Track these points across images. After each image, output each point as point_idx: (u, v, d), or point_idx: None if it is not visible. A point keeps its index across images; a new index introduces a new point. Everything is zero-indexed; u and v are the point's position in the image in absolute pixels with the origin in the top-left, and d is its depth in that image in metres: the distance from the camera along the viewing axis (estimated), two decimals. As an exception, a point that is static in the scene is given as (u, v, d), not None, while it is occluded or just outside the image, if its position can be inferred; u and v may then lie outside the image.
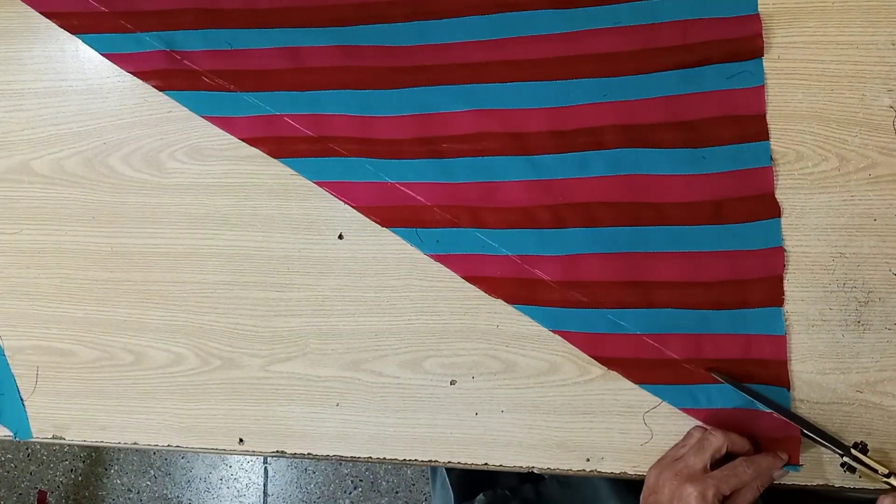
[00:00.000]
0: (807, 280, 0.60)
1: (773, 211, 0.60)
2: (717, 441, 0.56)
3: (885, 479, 0.54)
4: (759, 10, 0.60)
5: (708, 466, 0.55)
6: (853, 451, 0.55)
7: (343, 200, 0.66)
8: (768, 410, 0.59)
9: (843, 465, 0.56)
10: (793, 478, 0.60)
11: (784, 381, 0.60)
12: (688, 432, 0.59)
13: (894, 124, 0.60)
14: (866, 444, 0.56)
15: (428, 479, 1.49)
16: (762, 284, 0.60)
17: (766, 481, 0.55)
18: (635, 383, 0.62)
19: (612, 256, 0.61)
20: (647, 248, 0.61)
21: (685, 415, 0.61)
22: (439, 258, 0.64)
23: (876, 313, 0.60)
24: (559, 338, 0.63)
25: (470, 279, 0.64)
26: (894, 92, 0.60)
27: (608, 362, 0.62)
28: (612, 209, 0.62)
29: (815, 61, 0.60)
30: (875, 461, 0.55)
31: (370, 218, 0.65)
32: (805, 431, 0.57)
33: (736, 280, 0.60)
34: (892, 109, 0.60)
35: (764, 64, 0.60)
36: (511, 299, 0.63)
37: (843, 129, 0.60)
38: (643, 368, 0.62)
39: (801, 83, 0.60)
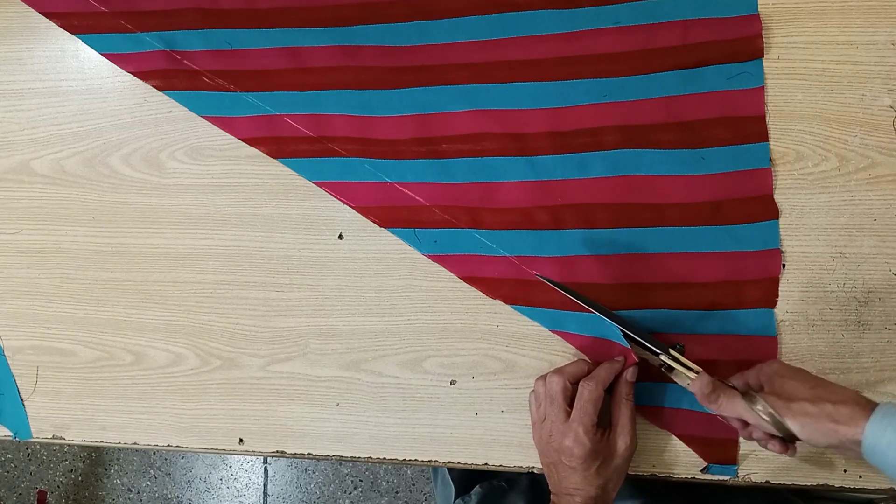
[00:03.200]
0: (807, 280, 0.60)
1: (772, 212, 0.60)
2: (557, 381, 0.57)
3: (696, 377, 0.56)
4: (759, 10, 0.60)
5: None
6: (671, 350, 0.57)
7: (342, 200, 0.66)
8: (713, 412, 0.59)
9: (661, 365, 0.57)
10: (793, 478, 0.60)
11: None
12: (532, 396, 0.61)
13: (894, 124, 0.60)
14: (683, 347, 0.57)
15: (428, 479, 1.50)
16: (758, 286, 0.60)
17: (609, 376, 0.58)
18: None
19: (610, 258, 0.61)
20: (644, 249, 0.61)
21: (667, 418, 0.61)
22: (437, 258, 0.64)
23: (876, 313, 0.60)
24: (559, 338, 0.63)
25: (468, 280, 0.64)
26: (894, 92, 0.60)
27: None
28: (610, 210, 0.62)
29: (815, 61, 0.60)
30: (690, 361, 0.56)
31: (369, 218, 0.65)
32: (626, 332, 0.58)
33: (732, 281, 0.60)
34: (892, 109, 0.60)
35: (764, 64, 0.60)
36: (509, 300, 0.63)
37: (844, 129, 0.60)
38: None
39: (801, 83, 0.60)
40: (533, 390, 0.60)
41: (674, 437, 0.62)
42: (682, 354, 0.57)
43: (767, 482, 0.61)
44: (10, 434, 0.72)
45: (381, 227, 0.65)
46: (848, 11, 0.60)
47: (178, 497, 1.61)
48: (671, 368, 0.57)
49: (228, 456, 1.59)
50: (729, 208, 0.60)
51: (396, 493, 1.52)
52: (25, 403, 0.71)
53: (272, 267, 0.67)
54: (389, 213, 0.65)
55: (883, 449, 0.47)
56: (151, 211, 0.69)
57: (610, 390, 0.59)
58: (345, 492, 1.55)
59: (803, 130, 0.60)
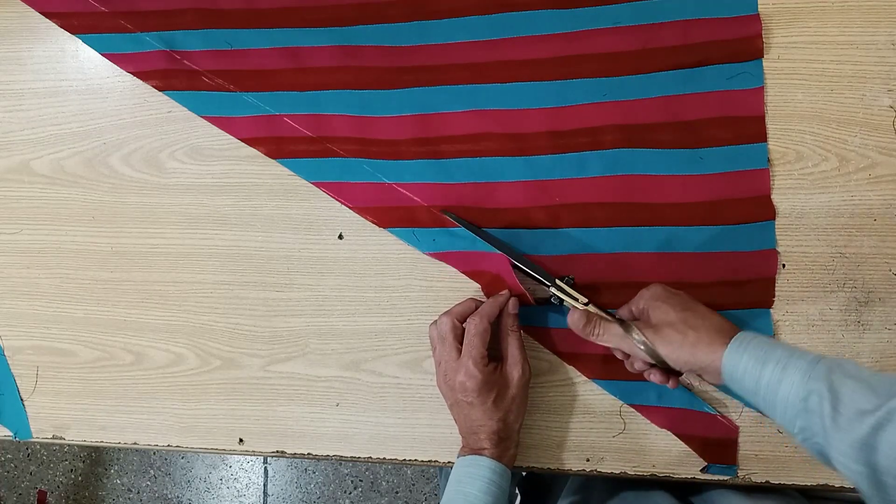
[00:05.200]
0: (807, 280, 0.60)
1: (769, 213, 0.60)
2: (446, 321, 0.59)
3: (584, 308, 0.57)
4: (759, 10, 0.60)
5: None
6: (559, 282, 0.58)
7: (340, 201, 0.66)
8: (714, 412, 0.61)
9: (552, 297, 0.59)
10: (793, 478, 0.60)
11: None
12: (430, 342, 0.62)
13: (894, 124, 0.60)
14: (573, 278, 0.58)
15: (428, 479, 1.50)
16: (755, 286, 0.60)
17: (494, 310, 0.59)
18: (589, 378, 0.62)
19: (607, 257, 0.61)
20: (642, 248, 0.61)
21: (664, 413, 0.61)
22: (438, 255, 0.64)
23: (876, 313, 0.60)
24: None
25: (469, 274, 0.64)
26: (894, 92, 0.60)
27: (568, 357, 0.63)
28: (608, 210, 0.62)
29: (814, 61, 0.60)
30: (578, 292, 0.57)
31: (367, 218, 0.65)
32: (515, 264, 0.59)
33: (729, 281, 0.60)
34: (892, 109, 0.60)
35: (764, 64, 0.61)
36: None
37: (843, 129, 0.60)
38: (601, 364, 0.62)
39: (801, 83, 0.60)
40: (429, 335, 0.61)
41: (674, 436, 0.62)
42: (571, 287, 0.58)
43: (767, 482, 0.61)
44: (10, 434, 0.71)
45: (379, 227, 0.65)
46: (848, 11, 0.60)
47: (178, 497, 1.61)
48: (561, 301, 0.58)
49: (228, 456, 1.59)
50: (726, 208, 0.60)
51: (396, 493, 1.52)
52: (25, 403, 0.71)
53: (272, 267, 0.67)
54: (388, 214, 0.65)
55: (739, 376, 0.49)
56: (151, 211, 0.69)
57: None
58: (345, 492, 1.55)
59: (803, 130, 0.60)
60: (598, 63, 0.62)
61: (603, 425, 0.63)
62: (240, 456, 1.56)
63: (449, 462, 0.65)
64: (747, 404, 0.60)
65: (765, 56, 0.60)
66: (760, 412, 0.56)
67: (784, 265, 0.60)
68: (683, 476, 0.62)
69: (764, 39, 0.60)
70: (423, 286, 0.65)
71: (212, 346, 0.68)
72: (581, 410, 0.63)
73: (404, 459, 0.66)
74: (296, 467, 1.58)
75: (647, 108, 0.61)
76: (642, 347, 0.53)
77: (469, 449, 0.58)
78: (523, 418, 0.60)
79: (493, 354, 0.59)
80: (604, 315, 0.56)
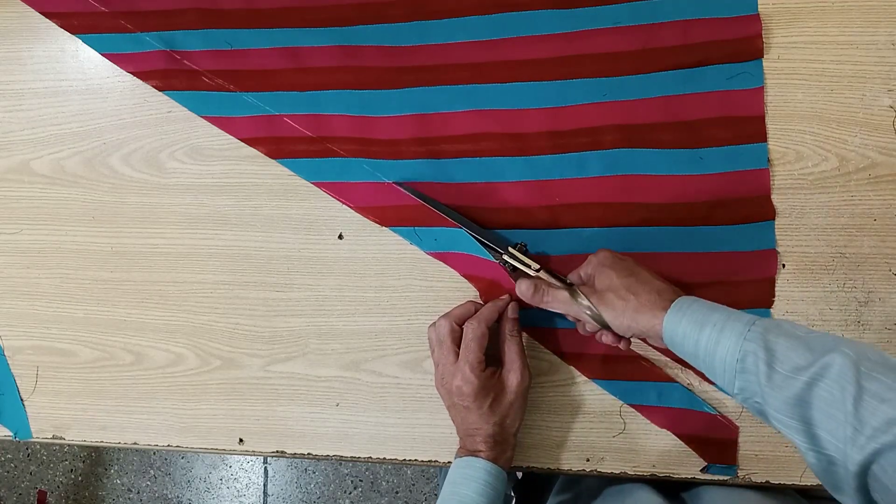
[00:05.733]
0: (807, 280, 0.60)
1: (768, 213, 0.60)
2: (444, 325, 0.59)
3: (536, 274, 0.58)
4: (759, 10, 0.60)
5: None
6: (511, 249, 0.59)
7: (341, 201, 0.66)
8: (714, 412, 0.61)
9: (505, 264, 0.59)
10: (793, 478, 0.60)
11: None
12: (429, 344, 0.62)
13: (894, 124, 0.60)
14: (526, 245, 0.59)
15: (428, 479, 1.50)
16: (754, 286, 0.60)
17: (493, 314, 0.60)
18: (589, 378, 0.62)
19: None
20: (641, 248, 0.61)
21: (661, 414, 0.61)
22: (439, 256, 0.64)
23: (876, 313, 0.60)
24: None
25: (468, 277, 0.64)
26: (894, 92, 0.60)
27: (568, 357, 0.63)
28: (608, 210, 0.62)
29: (815, 61, 0.60)
30: (530, 258, 0.58)
31: (369, 217, 0.65)
32: (470, 233, 0.60)
33: (728, 281, 0.60)
34: (892, 109, 0.60)
35: (764, 64, 0.60)
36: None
37: (844, 129, 0.60)
38: (601, 364, 0.62)
39: (801, 83, 0.60)
40: (428, 337, 0.61)
41: (674, 436, 0.62)
42: (524, 254, 0.58)
43: (767, 482, 0.61)
44: (10, 434, 0.71)
45: (382, 226, 0.65)
46: (848, 11, 0.60)
47: (178, 497, 1.61)
48: (514, 268, 0.58)
49: (228, 456, 1.59)
50: (726, 208, 0.60)
51: (396, 493, 1.52)
52: (25, 403, 0.71)
53: (272, 267, 0.67)
54: (388, 213, 0.65)
55: (679, 340, 0.49)
56: (151, 211, 0.69)
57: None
58: (345, 492, 1.55)
59: (803, 130, 0.60)
60: (598, 63, 0.62)
61: (603, 425, 0.63)
62: (240, 456, 1.56)
63: (449, 462, 0.65)
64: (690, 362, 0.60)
65: (765, 56, 0.60)
66: (704, 376, 0.55)
67: (784, 265, 0.60)
68: (684, 476, 0.62)
69: (764, 39, 0.60)
70: (423, 286, 0.65)
71: (212, 346, 0.68)
72: (581, 410, 0.63)
73: (404, 459, 0.66)
74: (296, 467, 1.58)
75: (647, 108, 0.61)
76: (588, 313, 0.54)
77: (466, 450, 0.58)
78: (521, 422, 0.59)
79: (492, 359, 0.59)
80: (553, 282, 0.57)
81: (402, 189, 0.63)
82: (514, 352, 0.59)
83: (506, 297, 0.61)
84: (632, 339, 0.57)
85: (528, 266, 0.58)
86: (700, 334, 0.48)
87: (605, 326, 0.54)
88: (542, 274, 0.58)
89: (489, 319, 0.59)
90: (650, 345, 0.61)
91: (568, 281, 0.57)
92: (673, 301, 0.51)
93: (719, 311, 0.48)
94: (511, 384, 0.58)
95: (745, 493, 0.61)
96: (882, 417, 0.38)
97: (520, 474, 0.75)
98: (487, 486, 0.55)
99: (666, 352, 0.61)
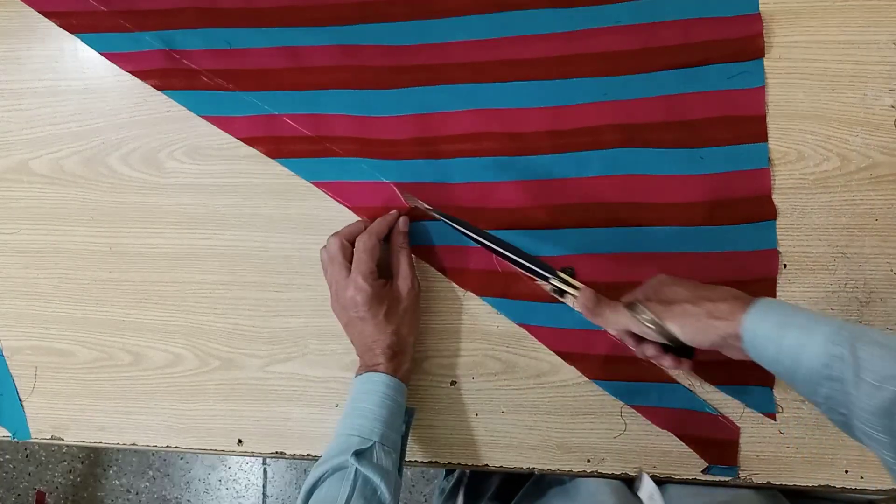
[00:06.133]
0: (808, 280, 0.60)
1: (769, 213, 0.60)
2: (334, 241, 0.60)
3: (597, 295, 0.55)
4: (760, 9, 0.60)
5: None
6: (559, 273, 0.57)
7: (339, 201, 0.65)
8: (715, 413, 0.61)
9: (552, 290, 0.57)
10: (794, 478, 0.60)
11: (772, 382, 0.60)
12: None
13: (896, 124, 0.60)
14: (573, 269, 0.58)
15: (428, 479, 1.49)
16: (756, 286, 0.60)
17: (383, 228, 0.61)
18: (589, 378, 0.62)
19: (607, 256, 0.61)
20: (641, 248, 0.61)
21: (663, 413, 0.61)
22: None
23: (877, 314, 0.60)
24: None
25: (444, 271, 0.64)
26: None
27: (569, 357, 0.63)
28: (608, 209, 0.61)
29: (816, 61, 0.60)
30: (579, 282, 0.56)
31: (364, 218, 0.65)
32: (516, 259, 0.58)
33: (730, 281, 0.60)
34: (893, 109, 0.60)
35: (765, 63, 0.60)
36: (482, 292, 0.64)
37: (845, 128, 0.60)
38: (602, 365, 0.62)
39: (802, 83, 0.60)
40: (320, 259, 0.62)
41: (674, 437, 0.61)
42: (572, 277, 0.57)
43: (768, 483, 0.61)
44: (9, 435, 0.71)
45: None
46: (849, 11, 0.60)
47: (176, 498, 1.61)
48: (563, 292, 0.57)
49: (227, 457, 1.59)
50: (727, 208, 0.60)
51: (396, 493, 1.52)
52: (24, 404, 0.71)
53: (272, 267, 0.67)
54: (383, 213, 0.64)
55: (760, 343, 0.46)
56: (150, 211, 0.69)
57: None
58: (344, 493, 1.55)
59: (805, 130, 0.60)
60: (598, 63, 0.62)
61: (604, 426, 0.62)
62: (239, 457, 1.56)
63: (449, 463, 0.65)
64: (771, 370, 0.58)
65: (766, 55, 0.60)
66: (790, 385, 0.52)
67: (785, 265, 0.60)
68: (684, 476, 0.62)
69: (765, 39, 0.60)
70: (422, 286, 0.65)
71: (211, 347, 0.68)
72: (582, 411, 0.63)
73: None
74: (295, 468, 1.57)
75: (647, 108, 0.61)
76: (652, 326, 0.51)
77: (365, 367, 0.59)
78: (417, 331, 0.61)
79: (385, 273, 0.61)
80: (611, 300, 0.55)
81: (406, 196, 0.63)
82: (405, 263, 0.61)
83: (394, 212, 0.62)
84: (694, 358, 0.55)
85: (576, 287, 0.56)
86: (783, 337, 0.44)
87: (672, 341, 0.51)
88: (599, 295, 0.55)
89: (380, 233, 0.60)
90: (725, 357, 0.56)
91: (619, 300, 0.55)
92: (751, 303, 0.47)
93: (804, 313, 0.45)
94: (403, 292, 0.60)
95: (713, 490, 0.61)
96: None
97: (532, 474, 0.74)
98: (387, 397, 0.56)
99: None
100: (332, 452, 0.55)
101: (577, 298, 0.55)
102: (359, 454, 0.53)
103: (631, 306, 0.52)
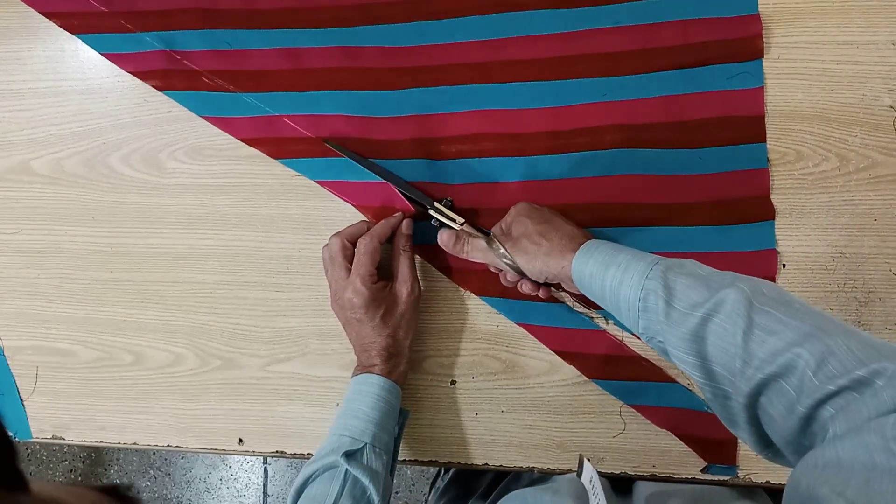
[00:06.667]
0: (807, 280, 0.60)
1: (768, 213, 0.60)
2: (335, 242, 0.60)
3: (460, 227, 0.60)
4: (760, 9, 0.60)
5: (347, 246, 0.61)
6: (437, 203, 0.61)
7: (344, 199, 0.66)
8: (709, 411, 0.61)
9: (432, 220, 0.61)
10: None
11: None
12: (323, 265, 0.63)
13: (895, 124, 0.60)
14: (452, 200, 0.61)
15: (428, 479, 1.49)
16: None
17: (386, 231, 0.61)
18: (589, 378, 0.62)
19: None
20: (640, 248, 0.61)
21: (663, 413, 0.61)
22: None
23: (876, 314, 0.60)
24: (559, 338, 0.63)
25: (443, 270, 0.64)
26: (895, 92, 0.60)
27: (568, 357, 0.63)
28: (608, 210, 0.62)
29: (815, 61, 0.60)
30: (455, 213, 0.60)
31: (367, 217, 0.65)
32: (397, 189, 0.62)
33: None
34: (892, 109, 0.60)
35: (764, 63, 0.60)
36: (481, 291, 0.64)
37: (844, 129, 0.60)
38: (602, 364, 0.62)
39: (801, 83, 0.60)
40: (322, 258, 0.62)
41: (674, 437, 0.61)
42: (450, 208, 0.60)
43: (768, 482, 0.61)
44: (10, 434, 0.71)
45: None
46: (848, 11, 0.60)
47: (177, 497, 1.61)
48: (441, 223, 0.60)
49: (228, 456, 1.59)
50: (725, 208, 0.60)
51: (396, 492, 1.52)
52: (25, 404, 0.71)
53: (272, 267, 0.67)
54: (385, 213, 0.65)
55: (587, 281, 0.50)
56: (151, 211, 0.69)
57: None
58: (345, 492, 1.55)
59: (804, 130, 0.60)
60: (597, 63, 0.62)
61: (603, 425, 0.63)
62: (239, 456, 1.56)
63: (449, 462, 0.65)
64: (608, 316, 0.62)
65: (765, 56, 0.60)
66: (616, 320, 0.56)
67: (784, 265, 0.60)
68: (684, 476, 0.62)
69: (764, 39, 0.60)
70: (423, 286, 0.65)
71: (211, 347, 0.68)
72: (581, 410, 0.63)
73: (404, 459, 0.66)
74: (296, 468, 1.58)
75: (646, 108, 0.61)
76: (505, 261, 0.55)
77: (362, 367, 0.60)
78: (413, 334, 0.62)
79: (385, 274, 0.61)
80: (473, 232, 0.59)
81: (326, 143, 0.64)
82: (406, 266, 0.61)
83: (398, 214, 0.62)
84: (593, 312, 0.58)
85: (454, 220, 0.60)
86: (605, 274, 0.48)
87: (522, 274, 0.55)
88: (465, 227, 0.59)
89: (381, 235, 0.60)
90: (566, 291, 0.62)
91: (484, 230, 0.59)
92: (581, 244, 0.52)
93: (624, 251, 0.49)
94: (402, 295, 0.60)
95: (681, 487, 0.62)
96: (769, 349, 0.38)
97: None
98: (380, 399, 0.57)
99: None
100: (323, 451, 0.56)
101: (439, 235, 0.59)
102: (349, 455, 0.54)
103: (490, 240, 0.57)
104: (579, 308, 0.62)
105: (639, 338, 0.48)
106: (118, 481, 1.62)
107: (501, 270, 0.59)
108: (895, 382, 0.33)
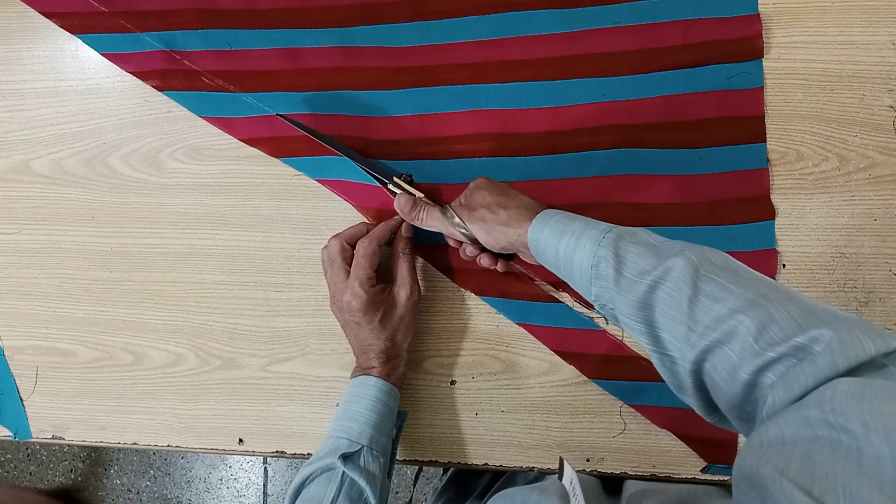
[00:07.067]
0: (807, 280, 0.60)
1: (768, 213, 0.60)
2: (335, 243, 0.60)
3: (422, 198, 0.60)
4: (760, 10, 0.60)
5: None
6: (396, 178, 0.61)
7: (343, 198, 0.66)
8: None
9: (392, 193, 0.61)
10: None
11: None
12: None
13: (895, 124, 0.60)
14: (412, 176, 0.61)
15: (428, 479, 1.49)
16: None
17: (385, 233, 0.61)
18: (589, 378, 0.62)
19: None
20: None
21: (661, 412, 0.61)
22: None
23: (876, 313, 0.60)
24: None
25: (443, 270, 0.64)
26: (895, 92, 0.60)
27: (568, 357, 0.63)
28: (607, 210, 0.62)
29: (815, 61, 0.60)
30: (413, 187, 0.60)
31: (367, 219, 0.65)
32: (356, 163, 0.62)
33: None
34: (892, 109, 0.60)
35: (764, 64, 0.60)
36: (481, 291, 0.64)
37: (844, 129, 0.60)
38: (602, 364, 0.62)
39: (801, 83, 0.60)
40: (321, 259, 0.62)
41: (674, 437, 0.61)
42: (409, 184, 0.60)
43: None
44: (10, 434, 0.71)
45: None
46: (848, 11, 0.60)
47: (177, 497, 1.61)
48: (396, 195, 0.60)
49: (228, 456, 1.59)
50: (725, 209, 0.60)
51: (396, 493, 1.52)
52: (25, 403, 0.71)
53: (272, 267, 0.67)
54: (383, 215, 0.65)
55: (542, 249, 0.51)
56: (151, 211, 0.69)
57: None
58: (345, 492, 1.55)
59: (804, 130, 0.60)
60: (598, 63, 0.62)
61: (603, 425, 0.63)
62: (239, 456, 1.56)
63: (449, 461, 0.65)
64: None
65: (765, 56, 0.60)
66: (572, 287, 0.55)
67: (784, 265, 0.60)
68: (684, 476, 0.62)
69: (764, 39, 0.60)
70: (422, 286, 0.65)
71: (211, 346, 0.68)
72: (581, 410, 0.63)
73: (405, 459, 0.66)
74: (296, 467, 1.58)
75: (646, 108, 0.61)
76: (461, 231, 0.55)
77: (360, 369, 0.60)
78: (413, 338, 0.62)
79: (385, 277, 0.61)
80: (429, 202, 0.59)
81: (291, 124, 0.64)
82: (405, 269, 0.61)
83: (398, 217, 0.62)
84: (543, 280, 0.59)
85: (412, 195, 0.60)
86: (560, 242, 0.49)
87: (477, 244, 0.56)
88: (423, 199, 0.60)
89: (381, 238, 0.60)
90: (523, 262, 0.62)
91: (438, 202, 0.59)
92: (536, 214, 0.52)
93: (579, 220, 0.49)
94: (401, 299, 0.60)
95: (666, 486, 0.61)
96: (713, 315, 0.39)
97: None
98: (378, 402, 0.57)
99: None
100: (321, 453, 0.56)
101: (395, 200, 0.59)
102: (346, 457, 0.54)
103: (445, 210, 0.57)
104: (579, 308, 0.62)
105: (593, 305, 0.49)
106: (71, 483, 1.62)
107: (461, 245, 0.59)
108: (832, 348, 0.33)
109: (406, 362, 0.61)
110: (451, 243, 0.61)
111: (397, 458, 0.65)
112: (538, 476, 0.66)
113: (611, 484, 0.64)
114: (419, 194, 0.60)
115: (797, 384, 0.33)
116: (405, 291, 0.60)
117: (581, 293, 0.49)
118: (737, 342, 0.37)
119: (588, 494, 0.60)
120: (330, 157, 0.65)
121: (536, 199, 0.55)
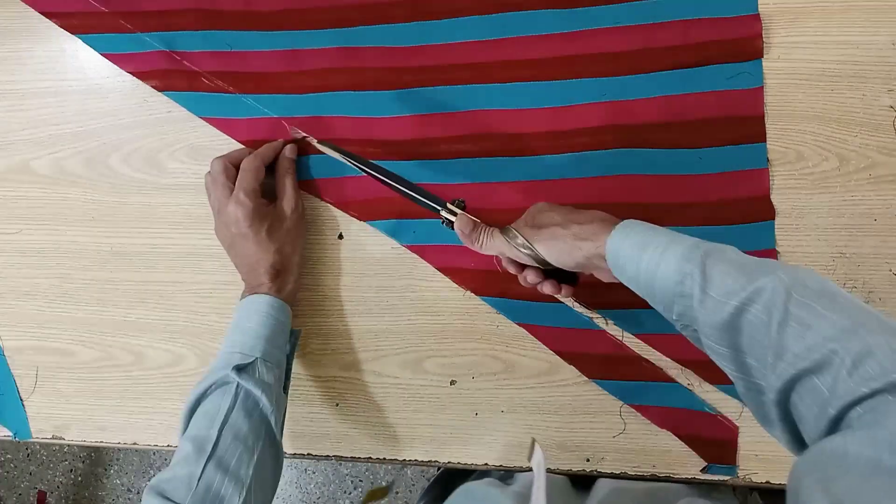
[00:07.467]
0: (807, 280, 0.60)
1: (768, 213, 0.60)
2: (217, 163, 0.61)
3: (473, 219, 0.59)
4: (760, 9, 0.60)
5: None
6: (449, 205, 0.60)
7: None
8: (714, 412, 0.61)
9: (443, 221, 0.60)
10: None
11: None
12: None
13: (895, 124, 0.60)
14: (464, 201, 0.61)
15: (428, 478, 1.49)
16: None
17: (270, 152, 0.62)
18: (589, 378, 0.62)
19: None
20: None
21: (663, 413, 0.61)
22: (415, 248, 0.65)
23: (876, 313, 0.60)
24: (559, 338, 0.63)
25: (443, 270, 0.64)
26: (895, 92, 0.60)
27: (568, 357, 0.63)
28: (607, 210, 0.61)
29: (815, 61, 0.60)
30: (470, 216, 0.59)
31: (350, 214, 0.65)
32: (404, 191, 0.62)
33: None
34: (892, 109, 0.60)
35: (764, 64, 0.60)
36: (481, 291, 0.64)
37: (844, 129, 0.60)
38: (602, 364, 0.62)
39: (801, 83, 0.60)
40: (205, 184, 0.63)
41: (674, 436, 0.61)
42: (462, 209, 0.60)
43: (767, 482, 0.61)
44: (10, 434, 0.71)
45: (361, 220, 0.65)
46: (848, 11, 0.60)
47: (177, 497, 1.61)
48: (452, 224, 0.59)
49: (228, 456, 1.58)
50: (726, 208, 0.60)
51: (396, 493, 1.52)
52: (25, 403, 0.71)
53: (272, 267, 0.67)
54: (372, 206, 0.65)
55: (622, 263, 0.47)
56: (151, 211, 0.69)
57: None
58: (345, 492, 1.55)
59: (804, 130, 0.60)
60: (598, 63, 0.62)
61: (603, 425, 0.63)
62: (240, 456, 1.56)
63: (448, 462, 0.65)
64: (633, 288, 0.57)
65: (765, 56, 0.60)
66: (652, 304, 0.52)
67: (784, 265, 0.60)
68: (683, 476, 0.62)
69: (764, 39, 0.60)
70: (423, 286, 0.65)
71: (212, 346, 0.68)
72: (581, 410, 0.63)
73: (404, 459, 0.66)
74: (296, 467, 1.58)
75: (647, 108, 0.61)
76: (525, 251, 0.52)
77: (249, 289, 0.61)
78: (301, 251, 0.62)
79: (270, 197, 0.62)
80: (489, 225, 0.58)
81: (300, 134, 0.65)
82: (290, 185, 0.62)
83: (281, 140, 0.64)
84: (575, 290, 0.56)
85: (472, 218, 0.59)
86: (642, 256, 0.45)
87: (544, 264, 0.52)
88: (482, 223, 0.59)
89: (265, 156, 0.61)
90: (597, 280, 0.56)
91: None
92: (615, 225, 0.48)
93: (664, 233, 0.46)
94: (286, 212, 0.61)
95: (635, 485, 0.62)
96: (805, 344, 0.36)
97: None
98: (269, 317, 0.58)
99: (660, 344, 0.61)
100: (214, 367, 0.56)
101: (456, 221, 0.58)
102: (240, 369, 0.55)
103: (506, 232, 0.54)
104: (579, 308, 0.62)
105: (673, 325, 0.46)
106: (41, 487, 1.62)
107: (521, 272, 0.56)
108: None
109: (296, 278, 0.62)
110: (512, 270, 0.57)
111: (395, 457, 0.65)
112: (506, 473, 0.66)
113: (582, 480, 0.64)
114: (474, 219, 0.58)
115: (885, 417, 0.31)
116: (290, 205, 0.61)
117: (661, 311, 0.46)
118: (829, 374, 0.35)
119: (556, 491, 0.60)
120: (326, 158, 0.65)
121: (604, 212, 0.52)
